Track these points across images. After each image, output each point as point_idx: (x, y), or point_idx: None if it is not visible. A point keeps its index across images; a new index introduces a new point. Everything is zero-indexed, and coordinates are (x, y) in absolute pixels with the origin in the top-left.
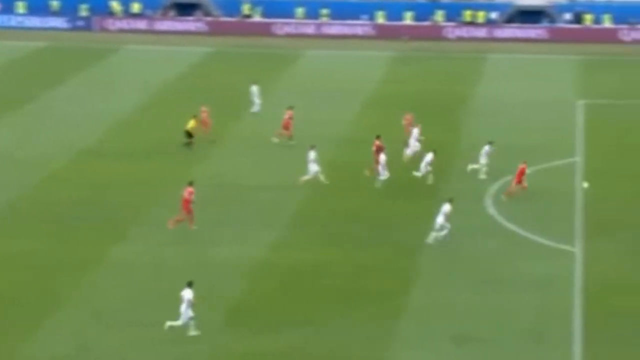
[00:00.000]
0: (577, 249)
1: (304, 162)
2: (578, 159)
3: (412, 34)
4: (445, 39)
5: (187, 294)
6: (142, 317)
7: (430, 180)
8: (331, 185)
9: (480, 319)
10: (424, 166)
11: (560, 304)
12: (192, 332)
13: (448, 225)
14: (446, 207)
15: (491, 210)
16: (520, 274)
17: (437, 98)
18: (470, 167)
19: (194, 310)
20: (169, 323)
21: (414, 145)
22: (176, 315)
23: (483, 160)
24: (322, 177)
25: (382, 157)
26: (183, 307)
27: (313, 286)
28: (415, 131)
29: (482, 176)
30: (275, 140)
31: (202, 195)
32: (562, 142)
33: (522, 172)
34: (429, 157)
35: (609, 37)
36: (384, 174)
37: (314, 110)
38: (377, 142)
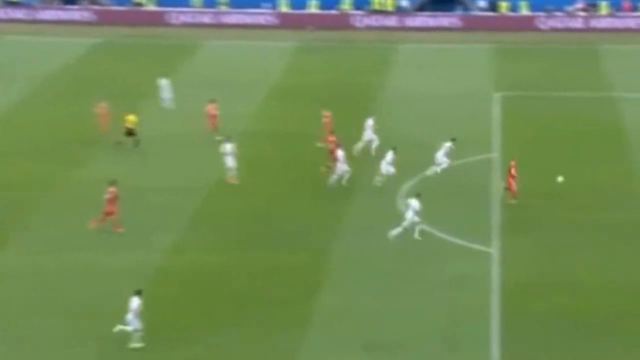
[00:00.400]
0: (494, 249)
1: (207, 161)
2: (495, 154)
3: (317, 23)
4: (353, 28)
5: (134, 302)
6: (27, 328)
7: (381, 181)
8: (236, 184)
9: (392, 324)
10: (384, 166)
11: (476, 306)
12: (135, 344)
13: (417, 220)
14: (414, 203)
15: (404, 208)
16: (434, 275)
17: (345, 90)
18: (433, 170)
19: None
20: (119, 326)
21: (370, 137)
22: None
23: (444, 158)
24: (230, 176)
25: (340, 153)
26: (130, 317)
27: (215, 293)
28: (370, 122)
29: (439, 171)
30: (219, 138)
31: (93, 199)
32: (478, 136)
33: (512, 171)
34: (390, 156)
35: (526, 25)
36: (342, 171)
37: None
38: (332, 138)
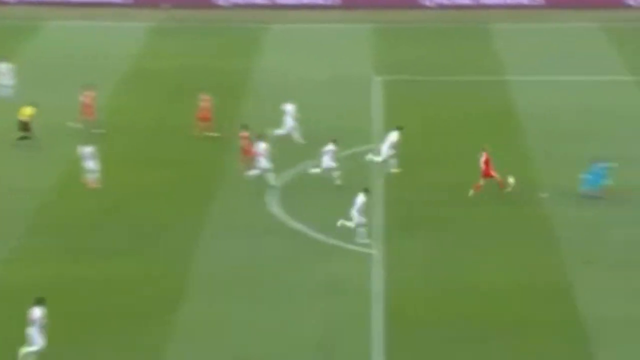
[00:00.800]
0: (376, 249)
1: (54, 158)
2: (376, 146)
3: (175, 1)
4: (217, 7)
5: (36, 313)
6: None
7: (338, 180)
8: (81, 183)
9: (263, 335)
10: (327, 161)
11: (356, 314)
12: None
13: (363, 220)
14: (360, 199)
15: (275, 208)
16: (308, 280)
17: (208, 75)
18: (371, 158)
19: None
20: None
21: (290, 125)
22: None
23: (388, 150)
24: (91, 179)
25: (262, 146)
26: (32, 331)
27: (53, 309)
28: (290, 108)
29: (394, 169)
30: (77, 125)
31: None
32: (357, 126)
33: (487, 162)
34: (330, 148)
35: (409, 2)
36: (261, 167)
37: (59, 93)
38: (244, 134)
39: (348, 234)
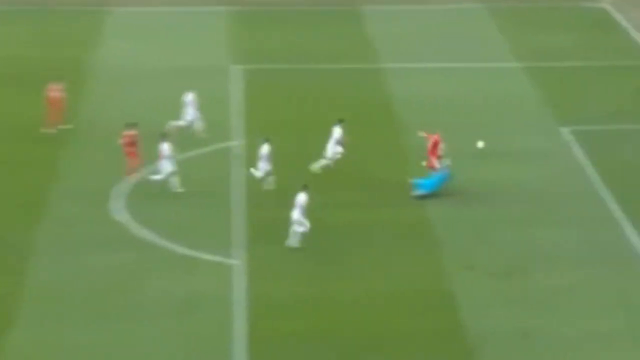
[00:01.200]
0: (236, 260)
1: None
2: (237, 142)
3: None
4: None
5: None
6: None
7: (271, 184)
8: None
9: (106, 358)
10: (263, 164)
11: (215, 331)
12: None
13: (307, 223)
14: (301, 198)
15: (121, 215)
16: (162, 297)
17: (38, 66)
18: (315, 166)
19: None
20: None
21: (191, 116)
22: None
23: (334, 147)
24: None
25: (166, 147)
26: None
27: None
28: (191, 98)
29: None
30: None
31: None
32: (214, 120)
33: (435, 144)
34: (265, 150)
35: None
36: (166, 171)
37: None
38: (129, 132)
39: (207, 243)
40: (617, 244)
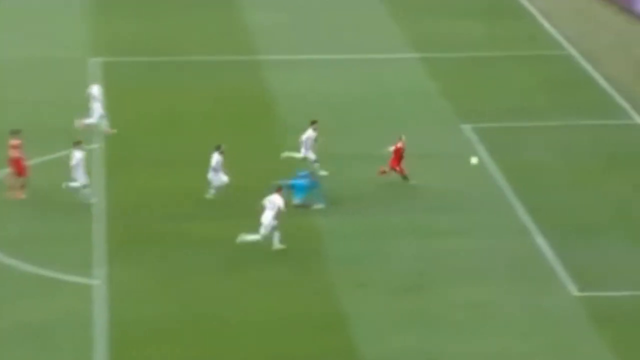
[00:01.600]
0: (97, 281)
1: None
2: (97, 145)
3: None
4: None
5: None
6: None
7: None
8: None
9: None
10: (213, 175)
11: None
12: None
13: (275, 223)
14: (277, 200)
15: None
16: (13, 324)
17: None
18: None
19: None
20: None
21: (98, 112)
22: None
23: (308, 153)
24: None
25: (78, 156)
26: None
27: None
28: (96, 91)
29: (323, 172)
30: None
31: None
32: (71, 121)
33: (398, 153)
34: (215, 159)
35: None
36: (80, 182)
37: None
38: (15, 142)
39: (65, 261)
40: (527, 254)
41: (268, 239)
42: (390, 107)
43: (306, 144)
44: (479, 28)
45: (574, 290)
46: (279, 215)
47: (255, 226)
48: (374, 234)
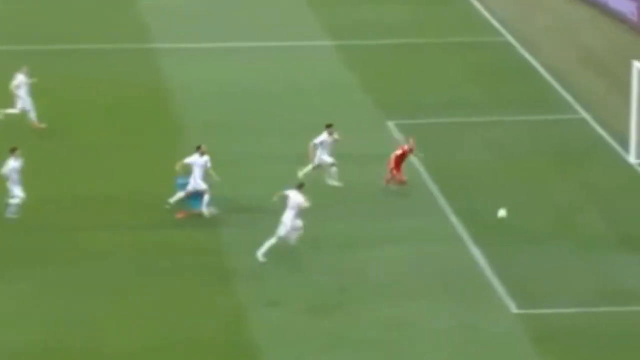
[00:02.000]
0: None
1: None
2: None
3: None
4: None
5: None
6: None
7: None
8: None
9: None
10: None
11: None
12: None
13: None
14: (299, 199)
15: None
16: None
17: None
18: (303, 171)
19: None
20: None
21: (24, 102)
22: None
23: (325, 157)
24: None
25: (15, 165)
26: None
27: None
28: (22, 78)
29: (335, 182)
30: None
31: None
32: None
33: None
34: (206, 161)
35: None
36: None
37: None
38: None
39: None
40: (460, 266)
41: (285, 240)
42: (302, 101)
43: (321, 148)
44: (404, 12)
45: (512, 306)
46: (300, 213)
47: (147, 237)
48: (284, 245)
